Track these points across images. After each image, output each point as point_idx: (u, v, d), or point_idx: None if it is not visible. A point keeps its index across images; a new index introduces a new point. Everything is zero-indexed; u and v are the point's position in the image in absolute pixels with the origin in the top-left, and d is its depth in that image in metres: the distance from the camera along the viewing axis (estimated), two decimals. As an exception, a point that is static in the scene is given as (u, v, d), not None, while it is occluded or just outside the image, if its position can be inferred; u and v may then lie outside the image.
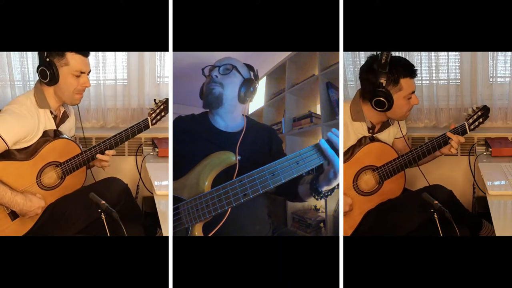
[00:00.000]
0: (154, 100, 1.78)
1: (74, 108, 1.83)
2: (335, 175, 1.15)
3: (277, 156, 1.17)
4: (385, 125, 1.74)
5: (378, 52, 1.60)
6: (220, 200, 1.15)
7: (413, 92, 1.65)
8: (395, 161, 1.67)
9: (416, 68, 1.64)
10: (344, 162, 1.65)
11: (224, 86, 1.48)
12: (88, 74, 1.69)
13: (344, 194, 1.63)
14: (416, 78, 2.09)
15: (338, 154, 1.10)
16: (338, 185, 1.24)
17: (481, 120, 1.67)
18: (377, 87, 1.60)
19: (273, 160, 1.12)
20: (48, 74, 1.61)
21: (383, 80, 1.58)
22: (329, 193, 1.27)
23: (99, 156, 1.68)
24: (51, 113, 1.68)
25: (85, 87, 1.68)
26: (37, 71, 1.65)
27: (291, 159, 1.10)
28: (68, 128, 1.78)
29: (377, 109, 1.63)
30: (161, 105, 1.76)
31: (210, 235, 1.21)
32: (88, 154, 1.67)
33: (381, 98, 1.60)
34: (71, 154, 1.68)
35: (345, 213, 1.63)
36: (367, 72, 1.64)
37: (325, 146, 1.09)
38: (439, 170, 2.08)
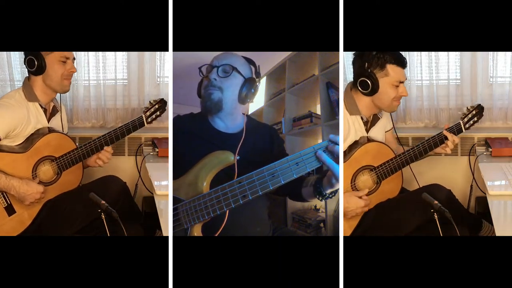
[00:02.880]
0: (150, 101, 1.80)
1: (69, 102, 1.83)
2: (337, 180, 1.15)
3: (278, 156, 1.17)
4: (375, 119, 1.75)
5: None
6: (219, 201, 1.14)
7: (402, 82, 1.66)
8: (392, 160, 1.67)
9: (405, 60, 1.66)
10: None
11: (223, 89, 1.43)
12: (73, 61, 1.71)
13: (353, 196, 1.64)
14: (416, 78, 2.11)
15: (337, 161, 1.10)
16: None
17: (475, 119, 1.69)
18: (363, 68, 1.62)
19: (275, 160, 1.11)
20: (35, 63, 1.64)
21: (368, 61, 1.61)
22: (333, 195, 1.27)
23: (100, 153, 1.69)
24: (41, 106, 1.70)
25: (72, 72, 1.71)
26: (24, 62, 1.67)
27: (291, 161, 1.09)
28: (59, 124, 1.79)
29: (362, 90, 1.65)
30: (155, 104, 1.78)
31: (216, 235, 1.20)
32: (83, 150, 1.68)
33: (365, 78, 1.62)
34: (66, 149, 1.68)
35: (358, 214, 1.63)
36: (358, 56, 1.67)
37: (323, 157, 1.09)
38: (438, 170, 2.08)
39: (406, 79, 1.68)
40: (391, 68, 1.62)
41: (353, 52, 1.72)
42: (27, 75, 1.72)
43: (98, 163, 1.72)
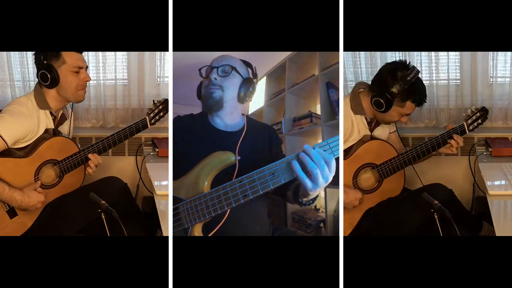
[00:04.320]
0: (153, 101, 1.79)
1: (71, 109, 1.84)
2: (307, 193, 1.11)
3: (276, 156, 1.16)
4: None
5: (411, 63, 1.63)
6: (220, 201, 1.14)
7: (409, 114, 1.69)
8: (394, 159, 1.67)
9: (425, 101, 1.68)
10: (344, 159, 1.66)
11: (224, 88, 1.46)
12: (86, 70, 1.70)
13: (351, 188, 1.64)
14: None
15: (309, 174, 1.04)
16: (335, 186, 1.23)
17: (480, 121, 1.69)
18: (386, 90, 1.61)
19: (273, 160, 1.11)
20: (49, 77, 1.62)
21: (395, 90, 1.60)
22: (310, 202, 1.27)
23: (90, 155, 1.67)
24: (51, 114, 1.69)
25: (86, 81, 1.69)
26: (37, 76, 1.65)
27: (292, 160, 1.09)
28: (66, 130, 1.79)
29: (373, 106, 1.66)
30: (159, 105, 1.77)
31: (210, 235, 1.21)
32: (86, 153, 1.68)
33: (382, 101, 1.62)
34: (69, 152, 1.68)
35: (354, 207, 1.64)
36: (389, 72, 1.64)
37: (296, 168, 1.04)
38: (439, 170, 2.08)
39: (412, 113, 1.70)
40: (409, 104, 1.64)
41: (386, 63, 1.70)
42: (38, 81, 1.69)
43: (88, 172, 1.71)
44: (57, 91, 1.66)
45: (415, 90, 1.62)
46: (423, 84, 1.67)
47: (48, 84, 1.64)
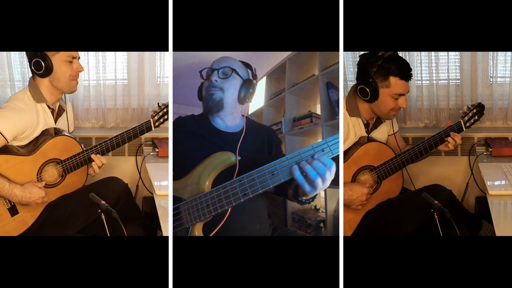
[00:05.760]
0: (158, 103, 1.79)
1: (70, 102, 1.83)
2: (306, 193, 1.11)
3: (276, 156, 1.17)
4: (377, 122, 1.75)
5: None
6: (220, 200, 1.15)
7: (403, 94, 1.64)
8: (392, 160, 1.67)
9: (411, 73, 1.64)
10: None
11: (224, 90, 1.47)
12: (78, 60, 1.70)
13: (356, 184, 1.64)
14: (416, 78, 2.11)
15: (309, 180, 1.05)
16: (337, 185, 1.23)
17: (476, 117, 1.69)
18: (366, 76, 1.61)
19: (273, 160, 1.12)
20: (43, 65, 1.62)
21: (373, 69, 1.60)
22: (310, 200, 1.28)
23: (93, 156, 1.68)
24: (49, 107, 1.69)
25: (79, 71, 1.69)
26: (30, 65, 1.66)
27: (291, 159, 1.10)
28: (65, 124, 1.79)
29: (360, 97, 1.65)
30: (164, 108, 1.78)
31: (211, 235, 1.21)
32: (89, 153, 1.68)
33: (365, 86, 1.61)
34: (72, 152, 1.68)
35: (363, 201, 1.63)
36: (364, 59, 1.65)
37: (295, 173, 1.06)
38: (438, 170, 2.08)
39: (408, 91, 1.66)
40: (393, 80, 1.61)
41: (360, 53, 1.70)
42: (31, 75, 1.70)
43: (90, 173, 1.72)
44: (50, 81, 1.66)
45: (392, 62, 1.60)
46: (402, 58, 1.65)
47: (41, 72, 1.64)
